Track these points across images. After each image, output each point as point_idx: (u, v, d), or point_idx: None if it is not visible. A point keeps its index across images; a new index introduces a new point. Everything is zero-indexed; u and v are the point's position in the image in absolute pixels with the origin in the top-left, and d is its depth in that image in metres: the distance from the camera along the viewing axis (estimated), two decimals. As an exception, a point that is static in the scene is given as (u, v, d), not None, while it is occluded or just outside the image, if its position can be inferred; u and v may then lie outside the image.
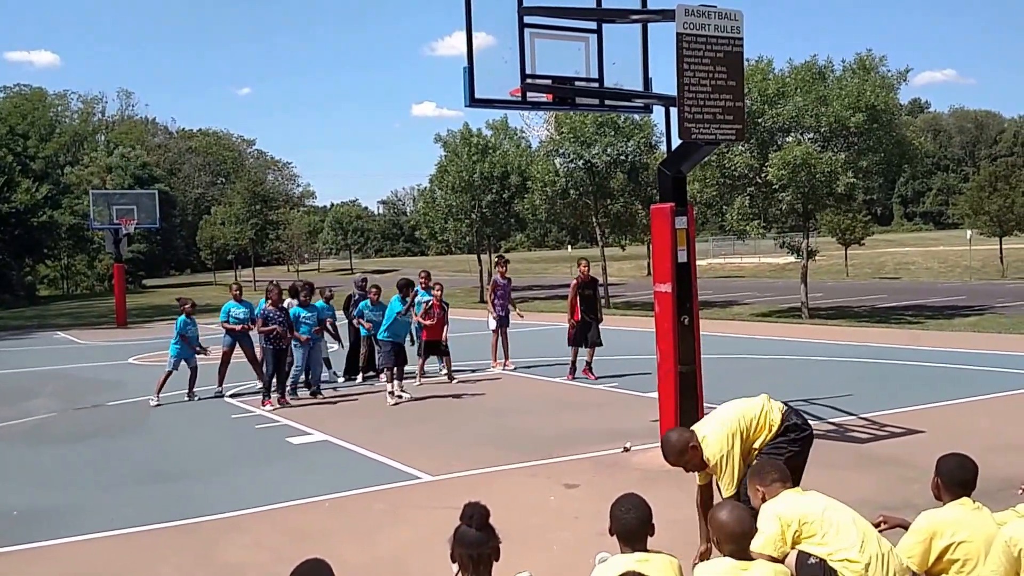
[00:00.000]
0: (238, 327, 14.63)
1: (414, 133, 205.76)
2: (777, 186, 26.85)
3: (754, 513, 5.05)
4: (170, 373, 14.21)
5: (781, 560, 4.67)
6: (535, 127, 11.31)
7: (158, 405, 13.80)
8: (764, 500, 4.90)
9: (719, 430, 5.83)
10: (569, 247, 77.47)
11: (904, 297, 36.72)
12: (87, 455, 10.84)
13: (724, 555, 4.29)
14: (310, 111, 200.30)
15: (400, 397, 13.48)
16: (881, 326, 24.21)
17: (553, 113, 13.82)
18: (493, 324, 16.62)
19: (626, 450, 9.64)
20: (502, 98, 9.48)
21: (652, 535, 4.42)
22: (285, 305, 13.94)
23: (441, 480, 8.87)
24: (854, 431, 10.40)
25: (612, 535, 4.46)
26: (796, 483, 5.14)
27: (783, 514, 4.73)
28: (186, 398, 14.29)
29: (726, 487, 5.72)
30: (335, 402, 13.97)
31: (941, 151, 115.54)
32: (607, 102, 10.82)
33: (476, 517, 4.15)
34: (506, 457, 9.65)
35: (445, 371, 15.44)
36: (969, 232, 50.99)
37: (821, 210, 31.60)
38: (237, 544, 7.10)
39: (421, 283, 15.20)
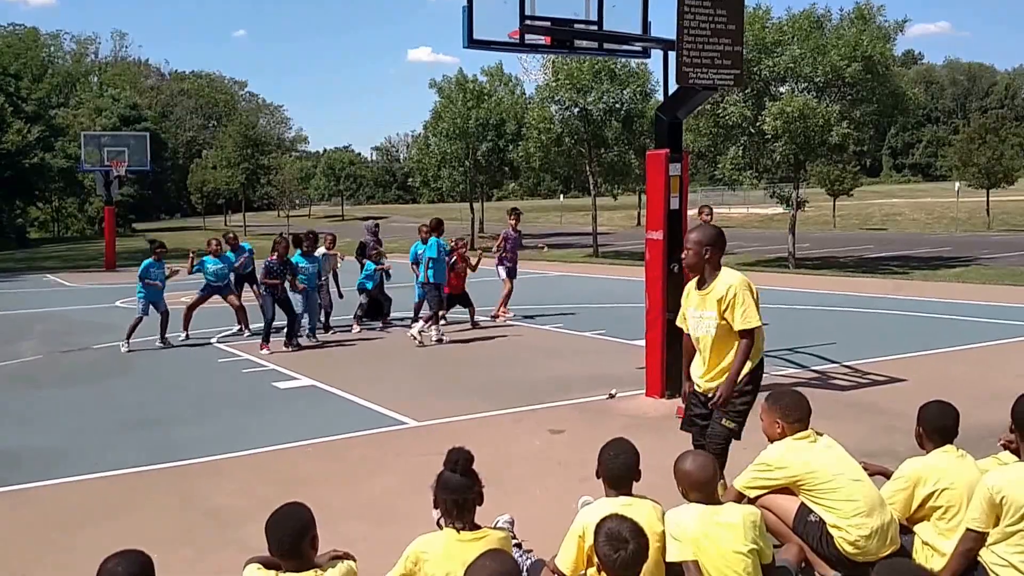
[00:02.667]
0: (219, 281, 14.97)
1: (409, 78, 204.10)
2: (771, 136, 26.72)
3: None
4: (140, 319, 14.02)
5: (753, 501, 4.75)
6: (532, 71, 11.18)
7: (129, 351, 13.65)
8: (781, 435, 4.90)
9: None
10: (562, 196, 77.22)
11: (890, 248, 36.80)
12: (72, 398, 10.79)
13: (691, 502, 4.32)
14: (304, 55, 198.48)
15: (422, 339, 13.84)
16: (867, 276, 24.27)
17: (550, 58, 13.67)
18: (503, 273, 16.48)
19: (612, 397, 9.67)
20: (500, 40, 9.38)
21: (638, 480, 4.46)
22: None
23: (427, 426, 8.87)
24: (837, 379, 10.47)
25: (599, 478, 4.50)
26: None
27: (789, 463, 4.75)
28: (158, 344, 14.13)
29: (751, 318, 5.65)
30: (323, 347, 13.96)
31: (932, 103, 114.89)
32: (605, 46, 10.68)
33: (460, 462, 4.17)
34: (492, 403, 9.67)
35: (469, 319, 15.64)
36: (957, 184, 50.99)
37: (813, 160, 31.52)
38: (221, 488, 7.09)
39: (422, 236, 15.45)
